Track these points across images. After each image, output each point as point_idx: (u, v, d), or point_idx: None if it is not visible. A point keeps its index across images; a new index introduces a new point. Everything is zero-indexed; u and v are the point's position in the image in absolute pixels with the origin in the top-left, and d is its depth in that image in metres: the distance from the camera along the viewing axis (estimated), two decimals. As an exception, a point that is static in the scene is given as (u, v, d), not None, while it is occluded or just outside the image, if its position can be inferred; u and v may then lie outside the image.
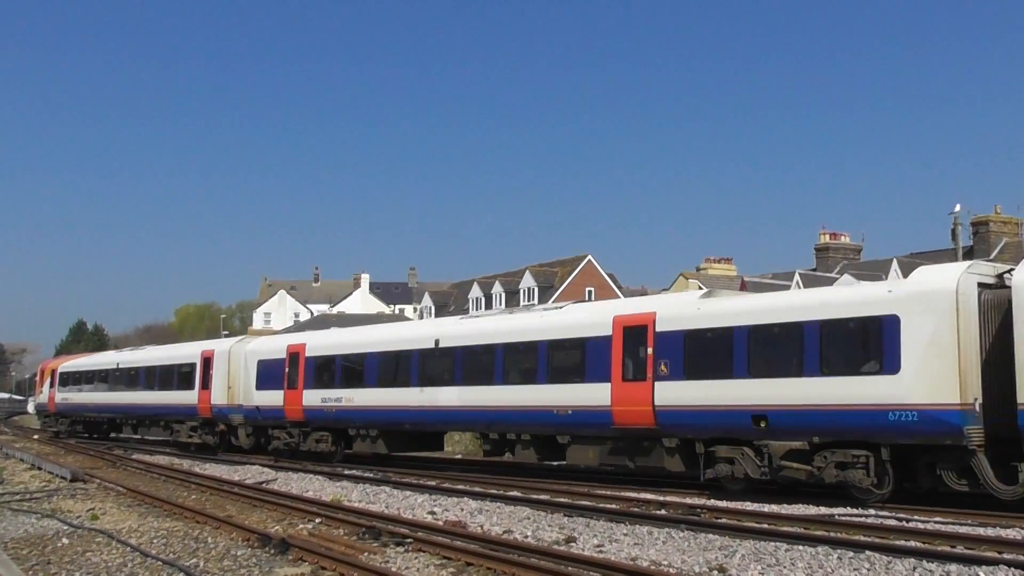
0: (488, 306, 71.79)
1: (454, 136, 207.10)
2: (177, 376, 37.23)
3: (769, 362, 17.97)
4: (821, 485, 17.53)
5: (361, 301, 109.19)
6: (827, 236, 65.82)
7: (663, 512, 16.57)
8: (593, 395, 20.84)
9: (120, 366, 42.74)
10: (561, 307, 24.63)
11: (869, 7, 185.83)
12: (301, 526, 16.32)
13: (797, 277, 54.20)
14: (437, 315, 75.44)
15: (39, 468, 29.01)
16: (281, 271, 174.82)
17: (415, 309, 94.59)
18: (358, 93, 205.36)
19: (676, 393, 19.23)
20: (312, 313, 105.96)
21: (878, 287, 18.37)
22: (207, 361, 34.72)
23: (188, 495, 21.82)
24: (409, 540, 14.02)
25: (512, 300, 70.03)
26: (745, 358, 18.21)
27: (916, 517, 15.37)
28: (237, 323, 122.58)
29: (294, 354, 30.69)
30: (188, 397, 35.76)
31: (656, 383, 19.58)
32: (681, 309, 19.93)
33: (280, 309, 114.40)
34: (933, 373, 15.84)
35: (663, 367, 19.56)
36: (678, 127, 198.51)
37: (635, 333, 20.28)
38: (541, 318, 23.66)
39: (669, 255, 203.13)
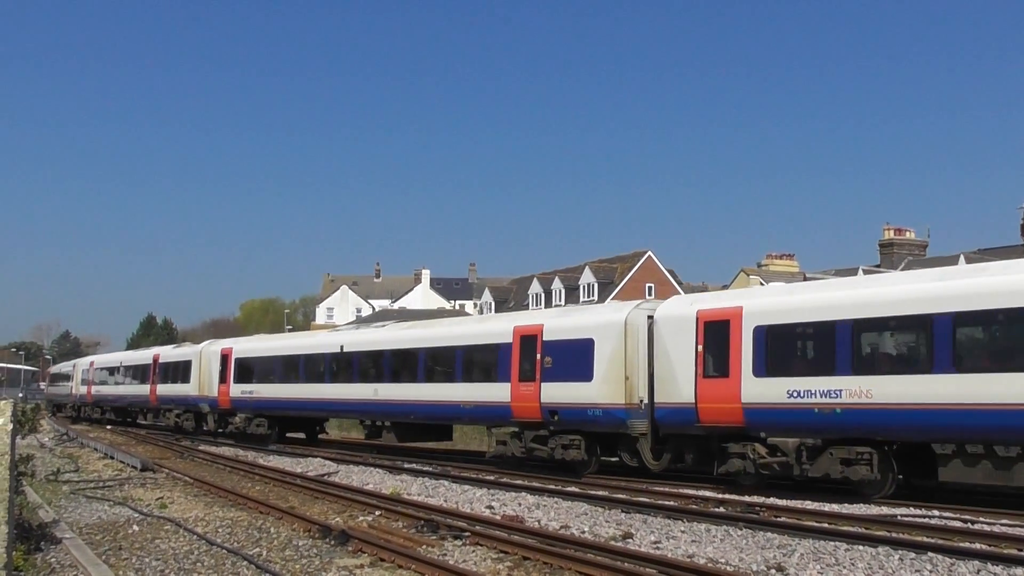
0: (548, 302, 71.60)
1: (515, 133, 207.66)
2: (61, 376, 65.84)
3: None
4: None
5: (422, 297, 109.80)
6: (891, 232, 64.50)
7: (721, 510, 16.47)
8: (142, 390, 44.80)
9: (61, 371, 69.13)
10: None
11: (933, 5, 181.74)
12: (361, 518, 16.61)
13: (861, 273, 53.22)
14: (497, 311, 75.67)
15: (111, 457, 29.99)
16: (343, 267, 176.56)
17: (475, 305, 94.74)
18: (419, 94, 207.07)
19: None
20: (373, 308, 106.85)
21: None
22: (77, 366, 61.32)
23: (252, 486, 22.34)
24: (467, 534, 14.18)
25: (572, 296, 69.70)
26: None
27: (982, 519, 15.05)
28: (300, 318, 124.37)
29: (90, 365, 56.70)
30: (67, 388, 62.65)
31: (158, 386, 42.43)
32: (167, 352, 43.08)
33: (342, 304, 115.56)
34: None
35: (156, 377, 42.41)
36: (740, 122, 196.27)
37: (155, 361, 43.73)
38: (158, 352, 46.14)
39: (731, 251, 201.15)
